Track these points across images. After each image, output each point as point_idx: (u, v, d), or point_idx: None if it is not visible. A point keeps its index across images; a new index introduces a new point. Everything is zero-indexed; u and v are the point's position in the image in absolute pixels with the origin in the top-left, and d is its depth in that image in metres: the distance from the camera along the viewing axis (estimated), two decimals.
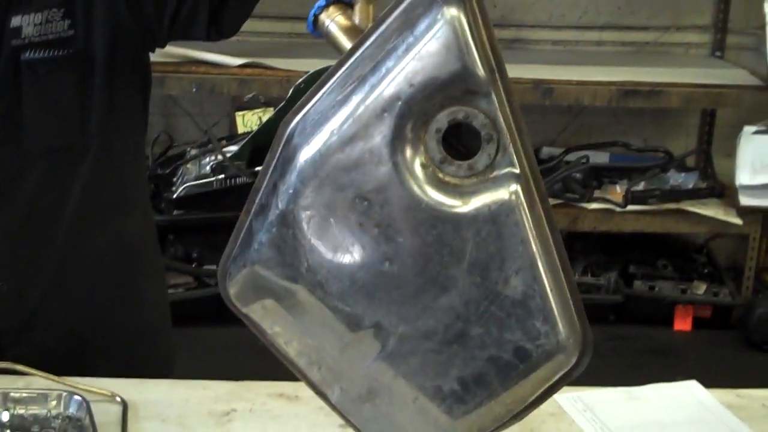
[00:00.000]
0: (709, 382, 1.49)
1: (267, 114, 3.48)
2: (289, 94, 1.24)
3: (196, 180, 3.61)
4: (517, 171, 0.88)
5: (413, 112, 0.86)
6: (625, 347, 3.77)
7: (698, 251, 4.22)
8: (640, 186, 3.88)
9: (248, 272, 0.94)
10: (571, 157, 3.99)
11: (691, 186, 3.93)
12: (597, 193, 3.87)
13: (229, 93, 3.66)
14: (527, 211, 0.88)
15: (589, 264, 3.98)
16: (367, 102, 0.87)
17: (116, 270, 1.58)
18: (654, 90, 3.66)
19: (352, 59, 0.90)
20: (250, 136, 3.44)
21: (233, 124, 3.71)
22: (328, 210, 0.89)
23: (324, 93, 0.91)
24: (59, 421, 1.29)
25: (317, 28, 1.06)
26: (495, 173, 0.88)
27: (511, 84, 0.88)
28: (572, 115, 4.24)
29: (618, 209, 3.80)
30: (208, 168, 3.61)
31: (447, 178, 0.88)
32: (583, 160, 3.90)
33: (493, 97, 0.86)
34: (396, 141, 0.87)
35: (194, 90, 3.55)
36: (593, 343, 0.91)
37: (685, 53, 4.29)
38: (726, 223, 3.82)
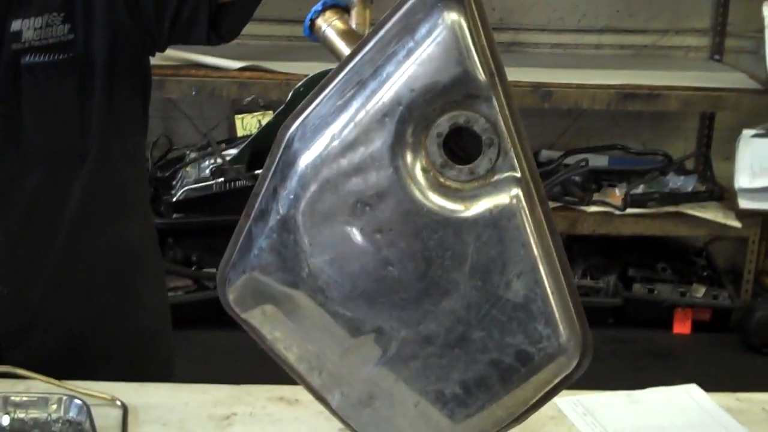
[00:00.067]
0: (709, 385, 1.49)
1: (266, 117, 3.48)
2: (288, 98, 1.24)
3: (195, 183, 3.61)
4: (518, 175, 0.88)
5: (414, 116, 0.86)
6: (625, 350, 3.77)
7: (697, 254, 4.22)
8: (639, 189, 3.88)
9: (248, 278, 0.94)
10: (570, 160, 3.99)
11: (690, 189, 3.93)
12: (596, 196, 3.87)
13: (228, 96, 3.66)
14: (528, 214, 0.88)
15: (589, 267, 3.98)
16: (368, 107, 0.87)
17: (116, 272, 1.58)
18: (653, 93, 3.66)
19: (352, 64, 0.90)
20: (249, 139, 3.44)
21: (232, 127, 3.70)
22: (329, 215, 0.89)
23: (324, 98, 0.91)
24: (59, 425, 1.29)
25: (314, 33, 1.06)
26: (496, 177, 0.88)
27: (510, 88, 0.88)
28: (571, 119, 4.24)
29: (617, 212, 3.80)
30: (207, 171, 3.61)
31: (448, 183, 0.88)
32: (582, 164, 3.90)
33: (494, 101, 0.86)
34: (397, 146, 0.87)
35: (194, 93, 3.55)
36: (593, 345, 0.91)
37: (684, 56, 4.30)
38: (725, 226, 3.82)
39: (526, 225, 0.88)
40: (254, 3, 1.53)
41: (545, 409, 1.00)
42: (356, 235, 0.88)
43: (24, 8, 1.41)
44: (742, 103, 3.73)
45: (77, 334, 1.56)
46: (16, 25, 1.40)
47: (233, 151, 3.57)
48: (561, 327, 0.89)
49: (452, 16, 0.85)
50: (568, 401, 1.41)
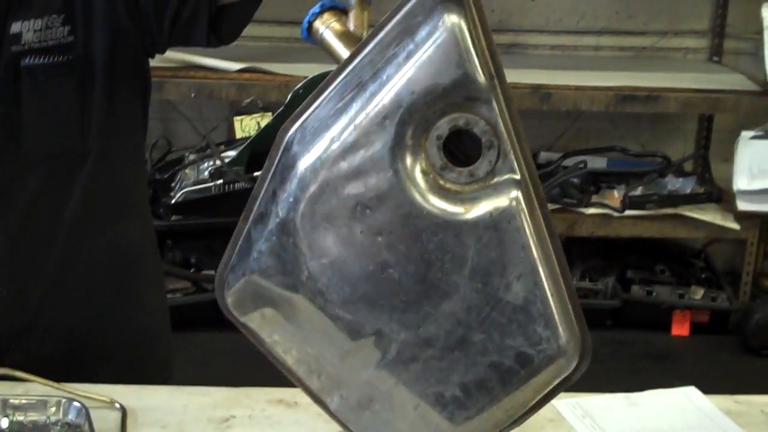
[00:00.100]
0: (707, 387, 1.49)
1: (265, 119, 3.48)
2: (287, 100, 1.23)
3: (194, 185, 3.61)
4: (518, 177, 0.88)
5: (414, 119, 0.86)
6: (623, 352, 3.77)
7: (696, 256, 4.23)
8: (638, 191, 3.88)
9: (247, 281, 0.94)
10: (569, 162, 3.99)
11: (688, 191, 3.93)
12: (595, 198, 3.87)
13: (227, 98, 3.66)
14: (528, 216, 0.88)
15: (587, 269, 3.98)
16: (368, 109, 0.87)
17: (116, 274, 1.58)
18: (652, 95, 3.66)
19: (351, 66, 0.90)
20: (248, 141, 3.44)
21: (231, 128, 3.70)
22: (329, 218, 0.89)
23: (323, 100, 0.90)
24: (58, 427, 1.28)
25: (311, 35, 1.06)
26: (496, 180, 0.88)
27: (509, 90, 0.88)
28: (570, 120, 4.24)
29: (616, 214, 3.80)
30: (206, 173, 3.61)
31: (448, 185, 0.88)
32: (581, 165, 3.90)
33: (494, 103, 0.86)
34: (397, 148, 0.87)
35: (193, 95, 3.55)
36: (592, 347, 0.92)
37: (683, 58, 4.30)
38: (723, 228, 3.82)
39: (526, 227, 0.88)
40: (254, 5, 1.53)
41: (544, 412, 1.00)
42: (356, 237, 0.88)
43: (24, 10, 1.41)
44: (741, 105, 3.73)
45: (76, 335, 1.56)
46: (15, 27, 1.40)
47: (232, 153, 3.57)
48: (560, 329, 0.89)
49: (452, 19, 0.85)
50: (566, 403, 1.41)
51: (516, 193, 0.88)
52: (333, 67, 0.94)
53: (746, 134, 3.58)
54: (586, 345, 0.91)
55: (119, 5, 1.45)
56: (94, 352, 1.58)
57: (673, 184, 3.97)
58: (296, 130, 0.91)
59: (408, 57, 0.86)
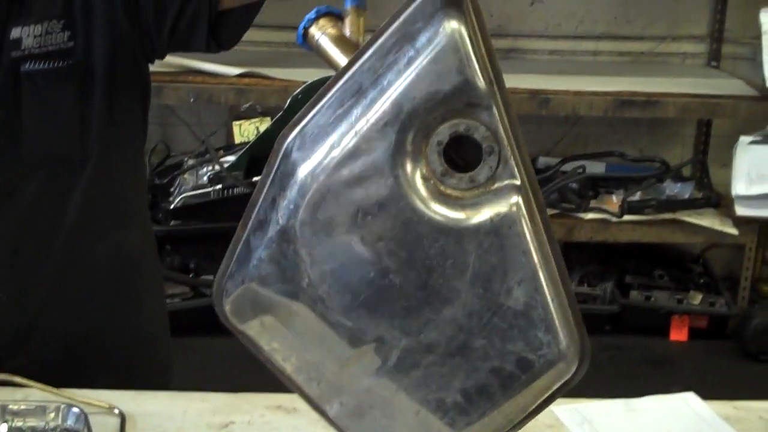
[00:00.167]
0: (705, 392, 1.49)
1: (264, 124, 3.49)
2: (286, 105, 1.23)
3: (193, 190, 3.61)
4: (518, 182, 0.88)
5: (415, 125, 0.86)
6: (621, 357, 3.77)
7: (694, 261, 4.23)
8: (636, 196, 3.89)
9: (246, 289, 0.93)
10: (568, 167, 3.99)
11: (687, 196, 3.94)
12: (593, 203, 3.87)
13: (226, 102, 3.66)
14: (528, 222, 0.88)
15: (585, 274, 3.98)
16: (369, 115, 0.87)
17: (115, 279, 1.58)
18: (650, 100, 3.66)
19: (351, 72, 0.90)
20: (247, 146, 3.44)
21: (230, 133, 3.70)
22: (330, 224, 0.88)
23: (322, 107, 0.90)
24: None
25: (307, 41, 1.05)
26: (496, 185, 0.88)
27: (509, 95, 0.88)
28: (569, 125, 4.25)
29: (614, 219, 3.81)
30: (205, 178, 3.61)
31: (448, 191, 0.88)
32: (580, 170, 3.90)
33: (494, 109, 0.86)
34: (397, 154, 0.87)
35: (192, 100, 3.55)
36: (591, 352, 0.92)
37: (682, 63, 4.31)
38: (722, 233, 3.82)
39: (527, 232, 0.88)
40: (254, 10, 1.53)
41: (543, 418, 1.00)
42: (357, 244, 0.88)
43: (24, 16, 1.41)
44: (740, 110, 3.73)
45: (76, 340, 1.56)
46: (15, 32, 1.40)
47: (231, 158, 3.57)
48: (561, 333, 0.90)
49: (452, 25, 0.85)
50: (565, 409, 1.41)
51: (517, 199, 0.88)
52: (332, 73, 0.94)
53: (744, 139, 3.58)
54: (585, 349, 0.91)
55: (119, 10, 1.45)
56: (94, 356, 1.58)
57: (672, 189, 3.97)
58: (295, 137, 0.91)
59: (408, 63, 0.86)
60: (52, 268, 1.51)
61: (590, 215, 3.82)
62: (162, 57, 1.56)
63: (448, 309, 0.89)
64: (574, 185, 3.84)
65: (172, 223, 3.62)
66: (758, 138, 3.57)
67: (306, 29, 1.05)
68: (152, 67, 1.58)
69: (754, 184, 3.56)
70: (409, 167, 0.87)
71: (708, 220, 3.84)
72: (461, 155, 0.89)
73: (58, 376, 1.39)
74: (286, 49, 3.96)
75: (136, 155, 1.61)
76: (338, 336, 0.91)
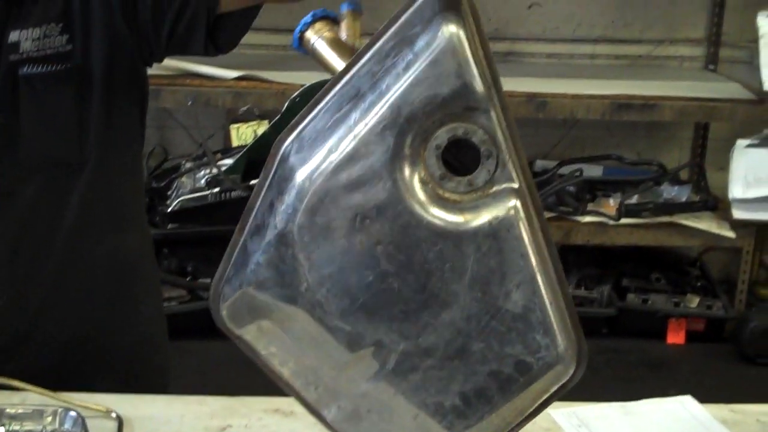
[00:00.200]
0: (703, 395, 1.49)
1: (262, 127, 3.49)
2: (284, 108, 1.24)
3: (190, 193, 3.60)
4: (516, 186, 0.88)
5: (414, 129, 0.86)
6: (619, 360, 3.77)
7: (691, 264, 4.23)
8: (634, 199, 3.89)
9: (244, 293, 0.93)
10: (565, 170, 4.00)
11: (684, 199, 3.94)
12: (590, 206, 3.87)
13: (224, 106, 3.66)
14: (527, 225, 0.88)
15: (583, 277, 3.98)
16: (367, 119, 0.87)
17: (113, 283, 1.58)
18: (647, 103, 3.67)
19: (348, 76, 0.90)
20: (245, 149, 3.44)
21: (228, 137, 3.70)
22: (329, 228, 0.88)
23: (320, 111, 0.90)
24: None
25: (303, 45, 1.05)
26: (494, 189, 0.88)
27: (506, 99, 0.88)
28: (566, 129, 4.25)
29: (611, 222, 3.81)
30: (203, 181, 3.60)
31: (447, 195, 0.88)
32: (577, 174, 3.91)
33: (492, 113, 0.87)
34: (396, 158, 0.87)
35: (189, 103, 3.55)
36: (588, 354, 0.92)
37: (679, 66, 4.31)
38: (719, 237, 3.82)
39: (525, 236, 0.88)
40: (252, 14, 1.53)
41: (540, 421, 1.00)
42: (356, 248, 0.88)
43: (22, 19, 1.41)
44: (737, 114, 3.73)
45: (74, 344, 1.56)
46: (14, 36, 1.40)
47: (229, 161, 3.57)
48: (559, 336, 0.90)
49: (451, 29, 0.86)
50: (563, 413, 1.41)
51: (515, 202, 0.88)
52: (329, 76, 0.93)
53: (742, 143, 3.59)
54: (582, 352, 0.92)
55: (117, 14, 1.45)
56: (92, 360, 1.58)
57: (669, 192, 3.98)
58: (292, 141, 0.91)
59: (407, 67, 0.86)
60: (51, 270, 1.51)
61: (587, 218, 3.82)
62: (160, 60, 1.56)
63: (446, 312, 0.89)
64: (572, 188, 3.84)
65: (170, 226, 3.62)
66: (755, 141, 3.58)
67: (302, 33, 1.05)
68: (150, 70, 1.58)
69: (751, 187, 3.57)
70: (407, 171, 0.87)
71: (705, 224, 3.84)
72: (458, 159, 0.89)
73: (56, 379, 1.39)
74: (283, 53, 3.96)
75: (133, 158, 1.61)
76: (336, 340, 0.91)
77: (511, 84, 3.46)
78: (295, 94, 1.18)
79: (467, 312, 0.89)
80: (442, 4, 0.86)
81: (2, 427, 1.29)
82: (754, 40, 3.49)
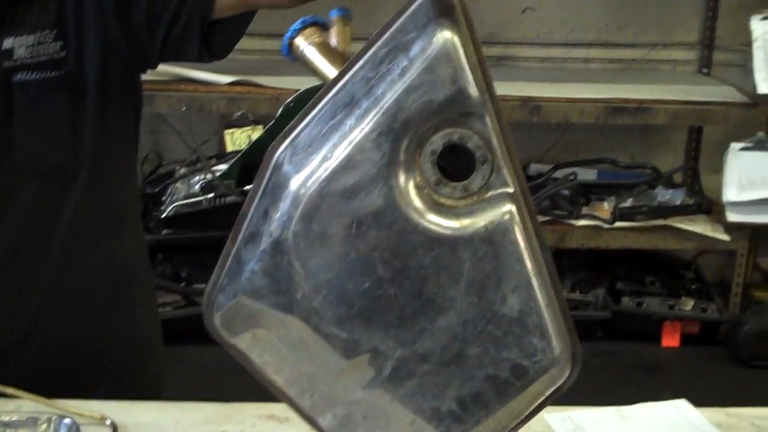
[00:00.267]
0: (697, 397, 1.49)
1: (256, 132, 3.48)
2: (278, 113, 1.23)
3: (185, 199, 3.60)
4: (512, 190, 0.88)
5: (409, 134, 0.86)
6: (613, 363, 3.77)
7: (686, 267, 4.24)
8: (628, 202, 3.89)
9: (239, 302, 0.92)
10: (559, 174, 4.00)
11: (678, 202, 3.95)
12: (585, 210, 3.88)
13: (218, 111, 3.66)
14: (522, 229, 0.88)
15: (577, 281, 3.99)
16: (362, 125, 0.87)
17: (108, 288, 1.58)
18: (641, 107, 3.67)
19: (342, 83, 0.89)
20: (239, 155, 3.44)
21: (222, 142, 3.70)
22: (324, 235, 0.88)
23: (313, 118, 0.90)
24: None
25: (292, 52, 1.05)
26: (490, 194, 0.88)
27: (500, 103, 0.88)
28: (560, 132, 4.25)
29: (606, 226, 3.81)
30: (197, 187, 3.60)
31: (442, 200, 0.88)
32: (571, 177, 3.91)
33: (487, 118, 0.87)
34: (391, 164, 0.87)
35: (184, 108, 3.54)
36: (583, 356, 0.92)
37: (673, 70, 4.32)
38: (713, 240, 3.83)
39: (521, 240, 0.88)
40: (246, 20, 1.53)
41: (536, 426, 1.00)
42: (352, 254, 0.88)
43: (16, 26, 1.41)
44: (730, 117, 3.74)
45: (69, 350, 1.55)
46: (8, 43, 1.40)
47: (223, 167, 3.57)
48: (554, 340, 0.90)
49: (446, 35, 0.86)
50: (557, 417, 1.41)
51: (510, 207, 0.88)
52: (324, 84, 0.93)
53: (735, 146, 3.60)
54: (577, 355, 0.92)
55: (111, 20, 1.45)
56: (88, 364, 1.57)
57: (663, 195, 3.98)
58: (286, 148, 0.90)
59: (402, 73, 0.86)
60: (47, 275, 1.51)
61: (582, 222, 3.83)
62: (154, 67, 1.55)
63: (443, 318, 0.89)
64: (566, 192, 3.85)
65: (164, 231, 3.61)
66: (749, 144, 3.59)
67: (291, 39, 1.04)
68: (144, 76, 1.58)
69: (745, 190, 3.58)
70: (402, 177, 0.87)
71: (699, 227, 3.84)
72: (453, 164, 0.89)
73: (51, 386, 1.39)
74: (277, 58, 3.92)
75: (128, 164, 1.61)
76: (333, 347, 0.91)
77: (505, 88, 3.47)
78: (290, 99, 1.17)
79: (464, 317, 0.89)
80: (436, 10, 0.86)
81: None
82: (747, 43, 3.50)
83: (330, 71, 1.01)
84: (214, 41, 1.51)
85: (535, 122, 3.77)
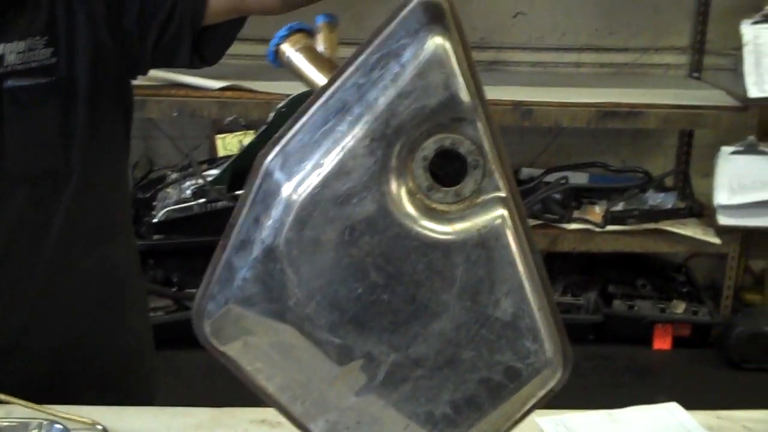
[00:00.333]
0: (689, 400, 1.49)
1: (248, 137, 3.48)
2: (270, 118, 1.23)
3: (176, 204, 3.60)
4: (503, 195, 0.89)
5: (401, 140, 0.87)
6: (605, 366, 3.78)
7: (677, 270, 4.25)
8: (619, 206, 3.90)
9: (230, 309, 0.92)
10: (551, 177, 4.01)
11: (669, 206, 3.95)
12: (576, 214, 3.89)
13: (209, 116, 3.65)
14: (514, 233, 0.89)
15: (569, 284, 4.00)
16: (355, 131, 0.87)
17: (100, 295, 1.58)
18: (632, 111, 3.68)
19: (333, 89, 0.89)
20: (231, 160, 3.44)
21: (214, 147, 3.70)
22: (317, 242, 0.88)
23: (304, 124, 0.90)
24: None
25: (278, 58, 1.05)
26: (482, 198, 0.89)
27: (490, 108, 0.88)
28: (551, 136, 4.26)
29: (597, 229, 3.82)
30: (188, 192, 3.60)
31: (434, 205, 0.88)
32: (563, 181, 3.92)
33: (478, 123, 0.87)
34: (383, 170, 0.87)
35: (175, 114, 3.54)
36: (573, 359, 0.93)
37: (664, 74, 4.33)
38: (704, 243, 3.84)
39: (513, 244, 0.89)
40: (237, 26, 1.54)
41: (527, 430, 1.00)
42: (345, 260, 0.88)
43: (7, 33, 1.40)
44: (721, 121, 3.75)
45: (60, 356, 1.55)
46: None
47: (214, 172, 3.57)
48: (547, 342, 0.91)
49: (437, 41, 0.86)
50: (549, 421, 1.41)
51: (502, 211, 0.89)
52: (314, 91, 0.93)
53: (726, 149, 3.61)
54: (568, 356, 0.92)
55: (102, 27, 1.45)
56: (78, 371, 1.57)
57: (654, 199, 3.99)
58: (276, 155, 0.90)
59: (394, 79, 0.86)
60: (38, 281, 1.50)
61: (573, 226, 3.84)
62: (145, 73, 1.55)
63: (436, 322, 0.89)
64: (558, 196, 3.85)
65: (156, 237, 3.61)
66: (740, 148, 3.60)
67: (278, 46, 1.04)
68: (135, 81, 1.58)
69: (735, 193, 3.59)
70: (395, 183, 0.87)
71: (690, 230, 3.86)
72: (443, 169, 0.89)
73: (42, 392, 1.38)
74: (268, 63, 3.94)
75: (119, 169, 1.61)
76: (326, 354, 0.91)
77: (496, 92, 3.48)
78: (282, 104, 1.17)
79: (457, 321, 0.89)
80: (427, 17, 0.86)
81: None
82: (737, 47, 3.51)
83: (317, 77, 1.01)
84: (205, 47, 1.52)
85: (527, 126, 3.78)
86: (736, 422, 1.45)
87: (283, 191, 0.88)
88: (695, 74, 4.29)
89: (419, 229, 0.88)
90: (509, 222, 0.89)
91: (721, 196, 3.60)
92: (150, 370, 1.72)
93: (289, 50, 1.04)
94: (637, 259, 4.14)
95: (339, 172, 0.87)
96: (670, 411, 1.48)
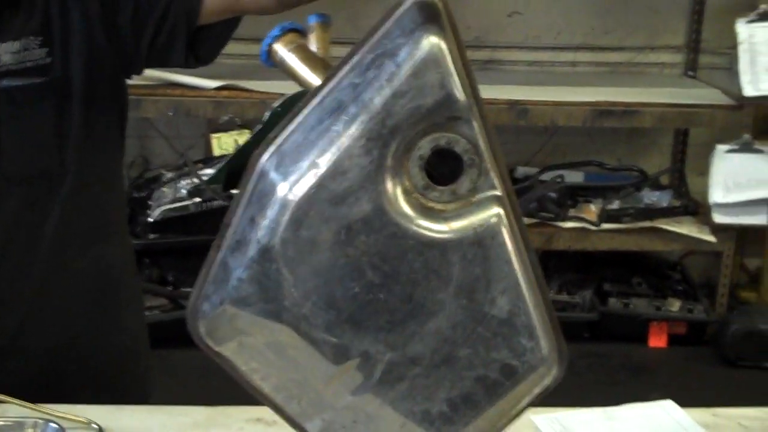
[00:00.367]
0: (684, 398, 1.50)
1: (243, 136, 3.48)
2: (266, 118, 1.23)
3: (171, 203, 3.60)
4: (499, 193, 0.89)
5: (397, 140, 0.87)
6: (601, 365, 3.78)
7: (672, 269, 4.25)
8: (615, 205, 3.91)
9: (226, 310, 0.92)
10: (547, 176, 4.01)
11: (665, 204, 3.96)
12: (572, 212, 3.89)
13: (204, 115, 3.65)
14: (510, 232, 0.89)
15: (564, 282, 4.00)
16: (351, 131, 0.87)
17: (95, 295, 1.58)
18: (628, 110, 3.69)
19: (328, 89, 0.89)
20: (226, 159, 3.43)
21: (209, 146, 3.69)
22: (313, 242, 0.88)
23: (299, 123, 0.90)
24: None
25: (271, 58, 1.04)
26: (477, 197, 0.89)
27: (485, 107, 0.89)
28: (547, 135, 4.26)
29: (593, 228, 3.82)
30: (184, 191, 3.60)
31: (431, 204, 0.88)
32: (558, 180, 3.92)
33: (474, 122, 0.87)
34: (379, 170, 0.87)
35: (170, 113, 3.54)
36: (569, 357, 0.93)
37: (659, 73, 4.33)
38: (700, 241, 3.84)
39: (509, 242, 0.89)
40: (232, 25, 1.54)
41: (523, 428, 1.01)
42: (341, 260, 0.88)
43: (2, 33, 1.40)
44: (716, 119, 3.76)
45: (56, 356, 1.55)
46: None
47: (210, 171, 3.57)
48: (542, 339, 0.91)
49: (432, 40, 0.86)
50: (545, 419, 1.41)
51: (498, 210, 0.89)
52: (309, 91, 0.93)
53: (721, 148, 3.62)
54: (563, 353, 0.93)
55: (97, 27, 1.45)
56: (74, 370, 1.57)
57: (650, 197, 4.00)
58: (271, 155, 0.90)
59: (390, 79, 0.86)
60: (34, 281, 1.50)
61: (569, 224, 3.84)
62: (140, 72, 1.56)
63: (432, 321, 0.89)
64: (553, 194, 3.86)
65: (151, 236, 3.61)
66: (735, 146, 3.61)
67: (270, 46, 1.04)
68: (130, 80, 1.58)
69: (731, 191, 3.60)
70: (391, 182, 0.87)
71: (686, 228, 3.86)
72: (438, 168, 0.89)
73: (37, 392, 1.38)
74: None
75: (114, 169, 1.61)
76: (322, 353, 0.91)
77: (492, 92, 3.48)
78: (277, 103, 1.17)
79: (453, 320, 0.89)
80: (423, 16, 0.86)
81: None
82: (733, 46, 3.52)
83: (310, 77, 1.01)
84: (200, 47, 1.52)
85: (523, 125, 3.79)
86: (732, 420, 1.45)
87: (279, 191, 0.88)
88: (690, 73, 4.29)
89: (415, 228, 0.88)
90: (505, 220, 0.89)
91: (717, 195, 3.60)
92: (145, 369, 1.72)
93: (281, 50, 1.03)
94: (632, 257, 4.15)
95: (335, 171, 0.87)
96: (666, 409, 1.48)
